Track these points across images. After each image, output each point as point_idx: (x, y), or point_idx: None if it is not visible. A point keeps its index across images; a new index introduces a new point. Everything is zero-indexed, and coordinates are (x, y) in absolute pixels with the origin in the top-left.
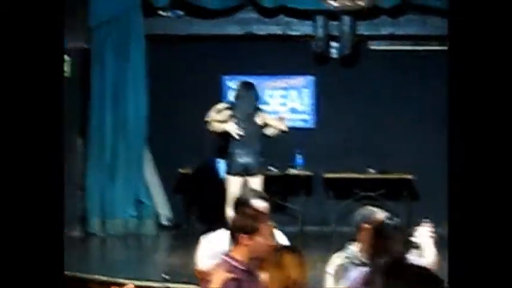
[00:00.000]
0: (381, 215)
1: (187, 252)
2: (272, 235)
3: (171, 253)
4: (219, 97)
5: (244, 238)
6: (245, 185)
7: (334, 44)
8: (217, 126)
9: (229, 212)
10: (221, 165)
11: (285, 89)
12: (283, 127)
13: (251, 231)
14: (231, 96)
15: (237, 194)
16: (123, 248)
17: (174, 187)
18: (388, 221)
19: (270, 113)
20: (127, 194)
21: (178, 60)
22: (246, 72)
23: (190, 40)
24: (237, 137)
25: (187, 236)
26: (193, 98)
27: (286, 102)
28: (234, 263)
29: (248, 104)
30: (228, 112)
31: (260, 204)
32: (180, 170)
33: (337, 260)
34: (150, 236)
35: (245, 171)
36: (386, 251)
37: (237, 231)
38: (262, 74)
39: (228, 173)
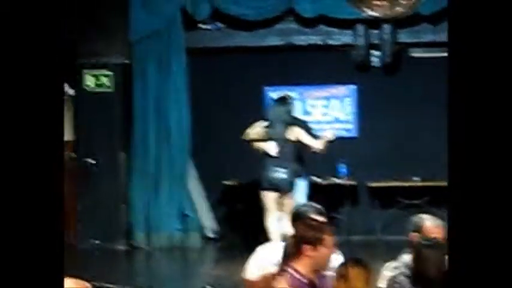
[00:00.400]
0: (429, 222)
1: (232, 264)
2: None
3: (216, 265)
4: (261, 108)
5: (308, 249)
6: (280, 201)
7: (375, 52)
8: (257, 146)
9: (269, 225)
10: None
11: (326, 98)
12: (319, 146)
13: (316, 242)
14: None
15: (273, 209)
16: (169, 261)
17: (218, 199)
18: (424, 242)
19: (312, 123)
20: (171, 206)
21: (219, 72)
22: (288, 82)
23: (231, 52)
24: (275, 155)
25: (232, 247)
26: (235, 110)
27: (328, 112)
28: (296, 275)
29: (281, 120)
30: (264, 130)
31: (319, 216)
32: (224, 182)
33: (387, 273)
34: (195, 248)
35: (276, 188)
36: (427, 273)
37: (301, 242)
38: (303, 84)
39: (262, 187)
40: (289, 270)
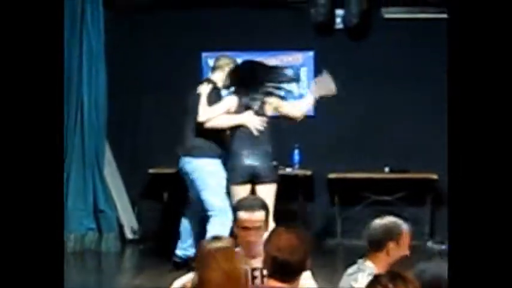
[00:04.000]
0: (405, 228)
1: (157, 272)
2: None
3: (137, 273)
4: (197, 78)
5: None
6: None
7: (339, 11)
8: (228, 120)
9: None
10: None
11: None
12: (305, 108)
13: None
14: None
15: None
16: (79, 268)
17: (141, 192)
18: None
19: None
20: (83, 201)
21: (145, 33)
22: (231, 48)
23: (160, 8)
24: (255, 131)
25: (156, 252)
26: (165, 81)
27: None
28: None
29: (255, 88)
30: (233, 100)
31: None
32: (150, 171)
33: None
34: (113, 252)
35: (253, 178)
36: None
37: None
38: (250, 50)
39: (233, 181)
40: None
